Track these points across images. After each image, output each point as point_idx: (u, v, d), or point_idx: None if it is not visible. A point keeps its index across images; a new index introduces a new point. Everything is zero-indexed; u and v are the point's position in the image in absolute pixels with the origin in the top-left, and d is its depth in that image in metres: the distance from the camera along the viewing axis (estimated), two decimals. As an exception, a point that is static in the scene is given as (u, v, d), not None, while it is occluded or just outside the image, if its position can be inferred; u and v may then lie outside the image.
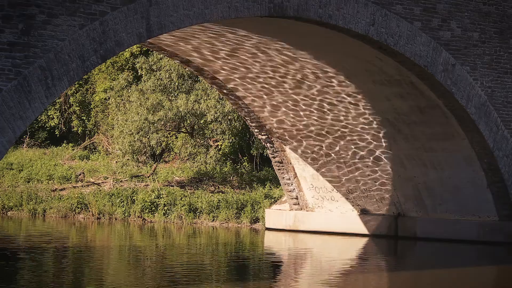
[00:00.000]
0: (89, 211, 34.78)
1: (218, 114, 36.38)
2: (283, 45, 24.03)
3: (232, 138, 38.11)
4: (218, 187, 35.98)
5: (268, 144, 30.03)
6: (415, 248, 27.77)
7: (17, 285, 18.87)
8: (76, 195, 35.56)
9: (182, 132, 38.54)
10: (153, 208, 34.25)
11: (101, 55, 17.35)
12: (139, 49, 41.15)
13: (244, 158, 38.74)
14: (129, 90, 38.96)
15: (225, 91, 28.35)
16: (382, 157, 27.58)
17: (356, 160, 28.26)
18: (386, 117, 26.21)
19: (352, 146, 27.97)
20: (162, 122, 36.52)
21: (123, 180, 36.91)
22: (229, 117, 36.82)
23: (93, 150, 43.23)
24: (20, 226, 32.87)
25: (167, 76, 37.37)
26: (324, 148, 28.69)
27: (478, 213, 26.42)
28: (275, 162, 30.33)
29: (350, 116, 26.93)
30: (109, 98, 41.74)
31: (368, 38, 22.05)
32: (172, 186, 35.87)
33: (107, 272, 21.42)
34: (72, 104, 45.02)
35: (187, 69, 34.12)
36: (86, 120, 44.51)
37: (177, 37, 24.06)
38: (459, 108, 24.20)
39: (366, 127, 26.95)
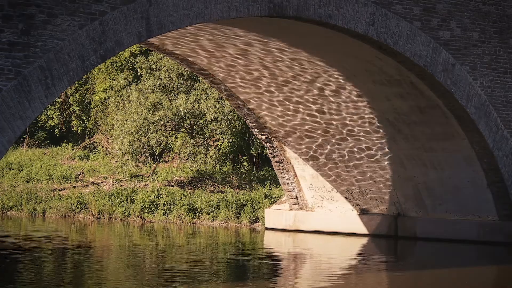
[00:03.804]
0: (89, 211, 34.78)
1: (218, 114, 36.39)
2: (283, 45, 24.02)
3: (232, 138, 38.11)
4: (218, 187, 35.98)
5: (267, 144, 30.03)
6: (415, 248, 27.77)
7: (17, 285, 18.86)
8: (76, 195, 35.56)
9: (182, 132, 38.54)
10: (152, 208, 34.25)
11: (101, 55, 17.34)
12: (138, 48, 41.14)
13: (244, 158, 38.74)
14: (129, 90, 38.97)
15: (224, 91, 28.34)
16: (382, 157, 27.58)
17: (356, 160, 28.26)
18: (386, 117, 26.20)
19: (352, 146, 27.96)
20: (162, 122, 36.52)
21: (122, 180, 36.90)
22: (228, 117, 36.83)
23: (92, 150, 43.22)
24: (20, 226, 32.86)
25: (166, 75, 37.39)
26: (324, 148, 28.69)
27: (478, 213, 26.42)
28: (275, 162, 30.33)
29: (350, 116, 26.93)
30: (108, 98, 41.75)
31: (368, 38, 22.05)
32: (172, 186, 35.87)
33: (107, 272, 21.41)
34: (72, 104, 45.02)
35: (186, 68, 34.13)
36: (85, 120, 44.51)
37: (176, 37, 24.07)
38: (459, 108, 24.20)
39: (366, 127, 26.95)
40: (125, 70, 42.14)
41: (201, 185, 36.17)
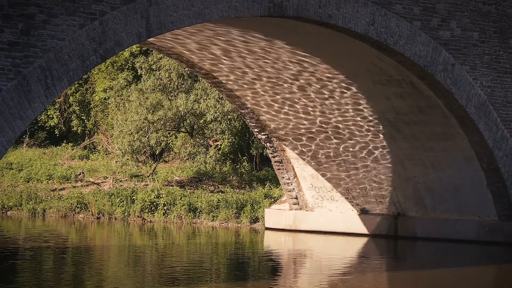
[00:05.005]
0: (89, 211, 34.77)
1: (218, 113, 36.38)
2: (283, 45, 24.02)
3: (232, 137, 38.11)
4: (218, 186, 35.97)
5: (267, 144, 30.03)
6: (415, 248, 27.77)
7: (17, 285, 18.86)
8: (76, 195, 35.55)
9: (182, 131, 38.54)
10: (152, 208, 34.24)
11: (101, 55, 17.34)
12: (138, 48, 41.14)
13: (244, 157, 38.74)
14: (129, 90, 38.97)
15: (224, 90, 28.34)
16: (382, 157, 27.58)
17: (356, 160, 28.26)
18: (386, 117, 26.20)
19: (352, 146, 27.96)
20: (162, 122, 36.52)
21: (122, 180, 36.90)
22: (228, 117, 36.82)
23: (92, 149, 43.22)
24: (20, 226, 32.86)
25: (166, 75, 37.40)
26: (323, 147, 28.69)
27: (478, 213, 26.42)
28: (275, 161, 30.32)
29: (350, 116, 26.93)
30: (108, 98, 41.75)
31: (368, 38, 22.05)
32: (172, 186, 35.86)
33: (107, 272, 21.41)
34: (72, 104, 45.01)
35: (186, 68, 34.12)
36: (85, 120, 44.51)
37: (175, 36, 24.07)
38: (459, 108, 24.20)
39: (366, 127, 26.95)
40: (125, 70, 42.14)
41: (201, 185, 36.17)
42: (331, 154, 28.71)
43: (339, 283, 20.31)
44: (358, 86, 25.50)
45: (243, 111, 29.07)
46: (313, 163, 29.36)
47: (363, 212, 29.34)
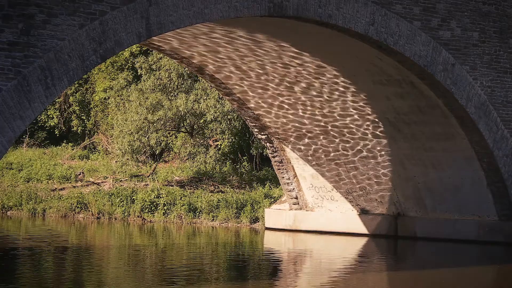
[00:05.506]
0: (89, 210, 34.77)
1: (218, 113, 36.39)
2: (283, 45, 24.02)
3: (232, 137, 38.11)
4: (218, 186, 35.98)
5: (267, 144, 30.03)
6: (415, 248, 27.77)
7: (17, 285, 18.86)
8: (76, 194, 35.55)
9: (182, 131, 38.54)
10: (152, 208, 34.25)
11: (101, 55, 17.34)
12: (138, 48, 41.15)
13: (244, 157, 38.74)
14: (129, 90, 38.97)
15: (224, 90, 28.34)
16: (382, 157, 27.57)
17: (356, 160, 28.25)
18: (386, 117, 26.20)
19: (352, 146, 27.96)
20: (162, 122, 36.53)
21: (122, 179, 36.90)
22: (228, 117, 36.83)
23: (92, 149, 43.22)
24: (20, 225, 32.86)
25: (166, 75, 37.40)
26: (323, 147, 28.69)
27: (478, 213, 26.42)
28: (275, 161, 30.32)
29: (350, 116, 26.93)
30: (108, 98, 41.75)
31: (368, 38, 22.05)
32: (172, 185, 35.86)
33: (107, 272, 21.41)
34: (72, 104, 45.01)
35: (186, 68, 34.12)
36: (85, 120, 44.51)
37: (176, 37, 24.07)
38: (459, 107, 24.20)
39: (366, 126, 26.95)
40: (125, 70, 42.14)
41: (201, 185, 36.17)
42: (331, 154, 28.70)
43: (339, 283, 20.31)
44: (358, 86, 25.49)
45: (243, 111, 29.06)
46: (313, 163, 29.36)
47: (363, 212, 29.33)
